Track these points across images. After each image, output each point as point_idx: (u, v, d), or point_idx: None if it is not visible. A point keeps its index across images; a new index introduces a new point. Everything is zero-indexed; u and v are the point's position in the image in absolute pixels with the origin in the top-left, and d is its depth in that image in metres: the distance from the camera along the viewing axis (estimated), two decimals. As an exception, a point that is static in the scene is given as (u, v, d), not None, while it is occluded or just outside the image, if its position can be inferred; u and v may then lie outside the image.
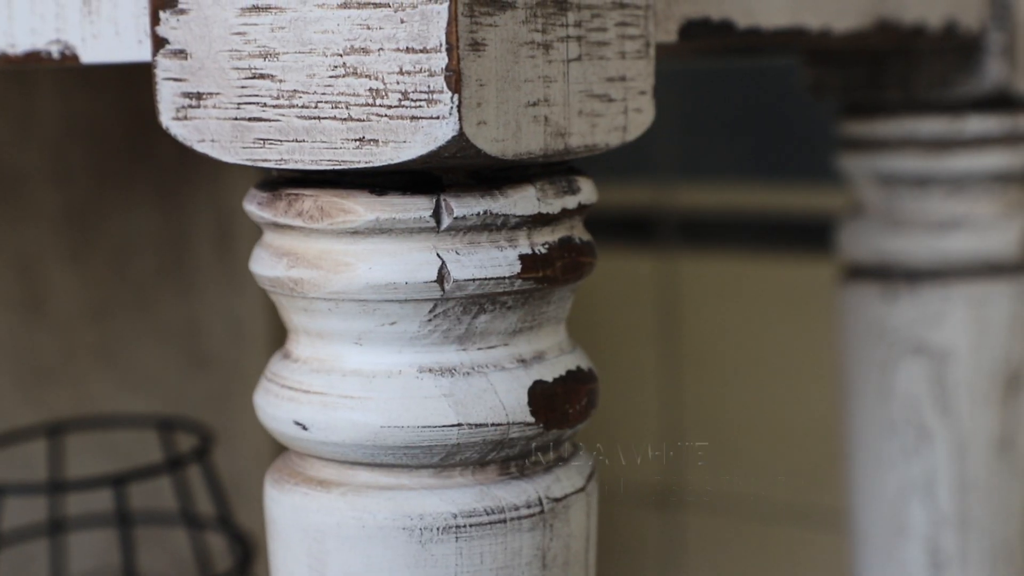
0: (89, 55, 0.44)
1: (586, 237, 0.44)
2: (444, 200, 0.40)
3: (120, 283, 1.00)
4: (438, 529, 0.41)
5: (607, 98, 0.43)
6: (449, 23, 0.37)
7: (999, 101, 0.75)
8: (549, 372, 0.43)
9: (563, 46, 0.41)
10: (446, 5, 0.37)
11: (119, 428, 0.85)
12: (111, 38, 0.44)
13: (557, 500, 0.43)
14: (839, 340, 0.81)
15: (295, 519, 0.43)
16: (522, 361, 0.42)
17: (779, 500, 1.22)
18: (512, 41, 0.39)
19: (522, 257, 0.41)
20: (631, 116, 0.44)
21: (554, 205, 0.42)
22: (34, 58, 0.45)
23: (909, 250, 0.77)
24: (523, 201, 0.41)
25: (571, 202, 0.42)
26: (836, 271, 0.82)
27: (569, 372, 0.43)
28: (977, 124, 0.75)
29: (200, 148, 0.42)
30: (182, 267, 1.04)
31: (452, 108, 0.37)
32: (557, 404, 0.42)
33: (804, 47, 0.71)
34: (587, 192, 0.43)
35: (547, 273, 0.42)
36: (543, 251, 0.42)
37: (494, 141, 0.39)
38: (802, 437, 1.19)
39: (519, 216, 0.41)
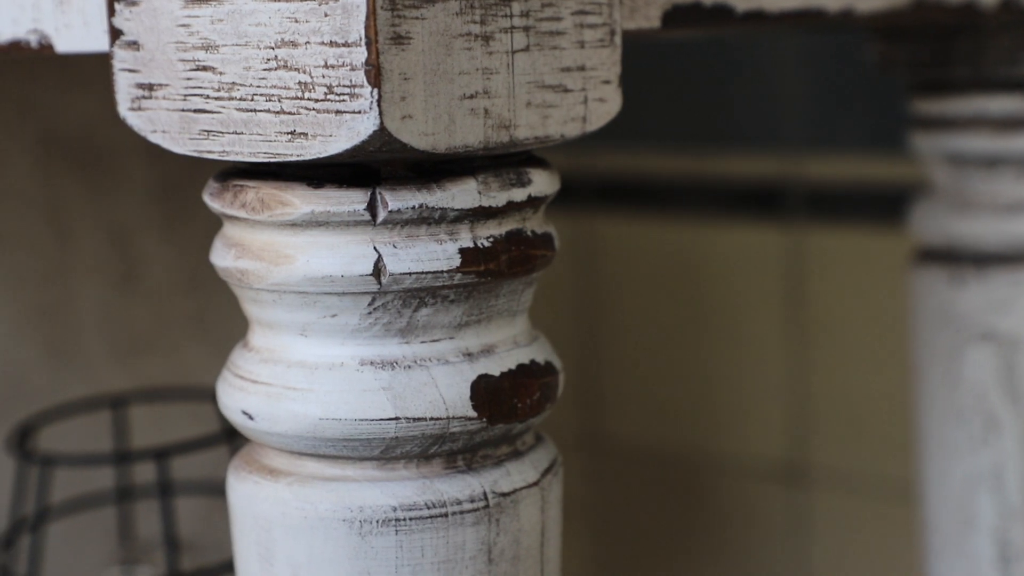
0: (62, 45, 0.45)
1: (541, 229, 0.43)
2: (379, 193, 0.40)
3: (214, 254, 1.02)
4: (377, 522, 0.41)
5: (562, 88, 0.42)
6: (368, 17, 0.37)
7: (1072, 79, 0.72)
8: (497, 366, 0.42)
9: (506, 37, 0.40)
10: (365, -1, 0.37)
11: (177, 401, 0.87)
12: (80, 28, 0.44)
13: (504, 495, 0.42)
14: (909, 325, 0.79)
15: (248, 507, 0.43)
16: (468, 355, 0.42)
17: (905, 478, 1.19)
18: (443, 33, 0.38)
19: (463, 251, 0.41)
20: (592, 106, 0.43)
21: (498, 198, 0.41)
22: (15, 47, 0.46)
23: (977, 233, 0.74)
24: (462, 194, 0.40)
25: (519, 195, 0.42)
26: (907, 253, 0.79)
27: (520, 366, 0.43)
28: (1049, 103, 0.72)
29: (153, 139, 0.42)
30: (277, 239, 1.05)
31: (372, 102, 0.37)
32: (503, 398, 0.42)
33: (821, 28, 0.69)
34: (541, 184, 0.42)
35: (490, 267, 0.41)
36: (487, 244, 0.41)
37: (423, 135, 0.38)
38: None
39: (458, 209, 0.40)
